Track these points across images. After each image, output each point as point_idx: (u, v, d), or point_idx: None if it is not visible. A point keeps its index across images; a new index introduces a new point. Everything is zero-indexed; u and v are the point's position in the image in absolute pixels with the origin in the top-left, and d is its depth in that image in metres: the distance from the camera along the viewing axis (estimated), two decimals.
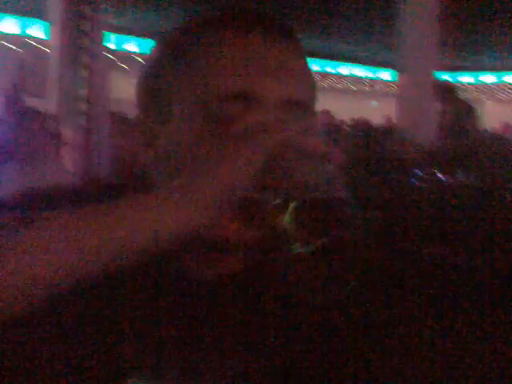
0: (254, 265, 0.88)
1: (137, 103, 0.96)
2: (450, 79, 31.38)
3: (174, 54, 0.92)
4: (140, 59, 23.28)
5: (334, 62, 26.11)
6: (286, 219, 0.72)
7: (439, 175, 4.80)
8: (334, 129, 9.39)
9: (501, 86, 32.50)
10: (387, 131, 9.21)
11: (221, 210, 0.73)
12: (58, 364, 0.81)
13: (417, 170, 4.61)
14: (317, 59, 21.89)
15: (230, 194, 0.73)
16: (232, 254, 0.88)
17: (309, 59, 0.94)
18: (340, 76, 27.63)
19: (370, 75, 29.92)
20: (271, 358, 0.86)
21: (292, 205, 0.72)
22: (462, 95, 7.82)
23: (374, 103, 29.59)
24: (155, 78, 0.94)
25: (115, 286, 0.82)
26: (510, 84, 31.78)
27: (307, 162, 0.75)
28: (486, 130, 8.50)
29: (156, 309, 0.86)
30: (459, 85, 30.73)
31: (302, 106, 0.89)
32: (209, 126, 0.84)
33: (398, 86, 9.94)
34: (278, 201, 0.73)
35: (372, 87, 30.33)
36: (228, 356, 0.85)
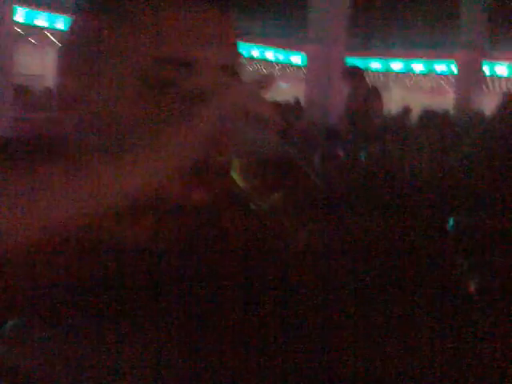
0: (205, 228, 0.88)
1: (60, 68, 0.93)
2: (360, 65, 31.67)
3: (101, 15, 0.89)
4: (49, 34, 22.74)
5: (246, 45, 26.03)
6: (237, 178, 0.75)
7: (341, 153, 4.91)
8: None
9: (408, 74, 33.05)
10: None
11: (171, 173, 0.73)
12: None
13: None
14: None
15: (182, 156, 0.73)
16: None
17: None
18: (252, 58, 27.56)
19: (282, 58, 30.01)
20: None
21: (237, 163, 0.75)
22: (369, 80, 7.96)
23: (286, 85, 29.67)
24: (82, 41, 0.91)
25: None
26: (416, 72, 32.35)
27: (253, 124, 0.76)
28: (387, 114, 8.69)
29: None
30: (369, 71, 31.16)
31: (235, 72, 0.90)
32: (145, 90, 0.83)
33: (307, 70, 10.00)
34: (222, 159, 0.76)
35: (283, 71, 30.40)
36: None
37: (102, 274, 0.83)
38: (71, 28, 0.94)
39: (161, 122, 0.76)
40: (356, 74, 7.57)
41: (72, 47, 0.92)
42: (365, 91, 7.38)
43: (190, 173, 0.77)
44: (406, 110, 12.54)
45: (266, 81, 0.79)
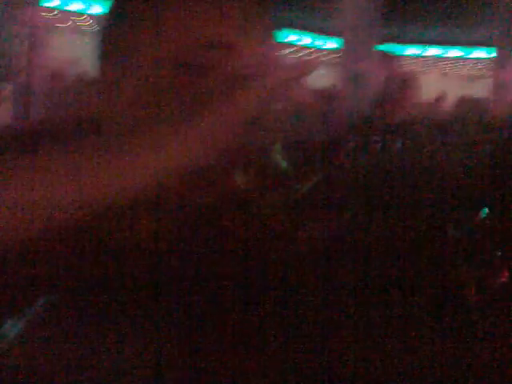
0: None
1: (98, 57, 0.94)
2: (396, 51, 31.80)
3: (138, 4, 0.90)
4: (81, 19, 22.98)
5: (282, 31, 26.06)
6: (278, 160, 0.75)
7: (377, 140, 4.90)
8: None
9: (446, 59, 32.92)
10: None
11: (213, 155, 0.73)
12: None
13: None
14: None
15: (224, 139, 0.73)
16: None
17: None
18: (288, 44, 27.64)
19: (320, 44, 30.00)
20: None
21: (278, 145, 0.76)
22: (404, 67, 7.91)
23: (322, 72, 29.66)
24: (119, 30, 0.91)
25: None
26: (454, 58, 32.19)
27: (294, 109, 0.78)
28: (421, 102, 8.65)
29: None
30: (405, 57, 31.05)
31: (270, 55, 0.90)
32: (184, 74, 0.84)
33: (341, 56, 9.99)
34: (264, 141, 0.77)
35: (318, 56, 30.41)
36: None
37: (100, 274, 0.83)
38: (109, 13, 0.95)
39: (201, 104, 0.75)
40: (389, 59, 7.53)
41: (110, 32, 0.94)
42: (399, 78, 7.33)
43: (231, 155, 0.77)
44: (440, 98, 12.44)
45: (306, 66, 0.78)
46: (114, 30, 0.92)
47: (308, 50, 30.22)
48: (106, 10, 0.97)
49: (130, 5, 0.91)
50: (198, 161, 0.71)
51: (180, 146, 0.70)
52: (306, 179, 0.75)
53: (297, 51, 29.26)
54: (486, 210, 1.04)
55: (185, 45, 0.85)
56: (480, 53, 29.57)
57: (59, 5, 20.63)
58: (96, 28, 23.19)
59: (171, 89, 0.84)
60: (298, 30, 27.46)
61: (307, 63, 0.79)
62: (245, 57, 0.85)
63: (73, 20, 22.77)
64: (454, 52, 31.04)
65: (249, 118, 0.73)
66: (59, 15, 21.21)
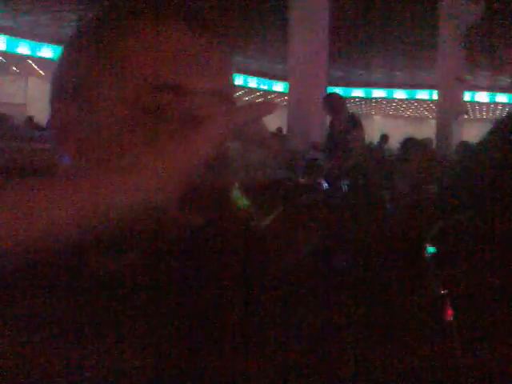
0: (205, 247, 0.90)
1: (52, 95, 0.93)
2: (342, 93, 32.05)
3: (93, 42, 0.89)
4: (30, 62, 22.80)
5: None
6: (237, 198, 0.75)
7: (323, 182, 4.94)
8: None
9: (390, 101, 33.43)
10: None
11: (166, 194, 0.72)
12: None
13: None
14: None
15: (179, 179, 0.72)
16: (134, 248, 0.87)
17: None
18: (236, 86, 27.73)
19: (264, 87, 30.25)
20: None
21: (236, 184, 0.76)
22: (349, 108, 7.99)
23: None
24: (74, 68, 0.90)
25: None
26: (398, 99, 32.71)
27: (250, 147, 0.78)
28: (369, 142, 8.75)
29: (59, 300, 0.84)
30: (350, 99, 31.41)
31: (227, 97, 0.89)
32: (137, 115, 0.83)
33: (288, 98, 10.06)
34: (220, 181, 0.77)
35: (266, 98, 30.63)
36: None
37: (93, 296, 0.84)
38: (63, 55, 0.94)
39: (157, 145, 0.75)
40: (335, 101, 7.59)
41: (65, 74, 0.92)
42: (345, 119, 7.40)
43: (187, 195, 0.76)
44: (384, 138, 12.64)
45: (266, 108, 0.79)
46: (69, 70, 0.91)
47: (255, 93, 30.45)
48: (60, 53, 0.95)
49: (85, 45, 0.91)
50: (154, 200, 0.71)
51: (135, 185, 0.70)
52: (266, 214, 0.75)
53: (244, 94, 29.45)
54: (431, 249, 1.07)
55: (139, 86, 0.84)
56: (423, 95, 30.16)
57: (7, 48, 20.50)
58: (45, 71, 22.97)
59: (127, 130, 0.83)
60: (243, 74, 27.67)
61: (267, 105, 0.79)
62: (200, 98, 0.84)
63: (22, 63, 22.60)
64: (399, 94, 31.57)
65: (205, 159, 0.72)
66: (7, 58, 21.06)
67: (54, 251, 0.69)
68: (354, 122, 7.38)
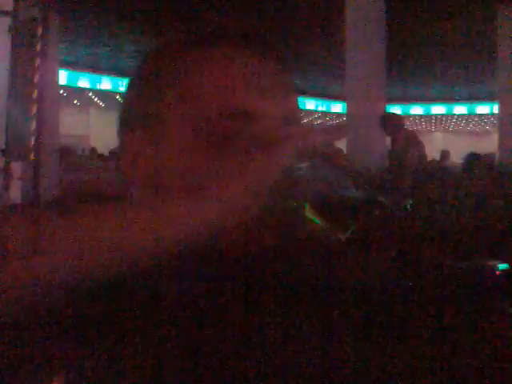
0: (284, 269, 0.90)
1: (121, 127, 0.95)
2: (401, 111, 31.96)
3: (160, 73, 0.91)
4: (91, 95, 23.28)
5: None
6: (311, 219, 0.75)
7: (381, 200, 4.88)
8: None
9: (449, 117, 33.05)
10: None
11: (238, 218, 0.73)
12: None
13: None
14: None
15: (249, 204, 0.73)
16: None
17: None
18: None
19: (323, 108, 30.20)
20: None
21: (308, 207, 0.75)
22: (408, 126, 7.93)
23: None
24: (142, 100, 0.92)
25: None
26: (457, 115, 32.30)
27: (322, 168, 0.78)
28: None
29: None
30: (409, 116, 31.14)
31: (294, 120, 0.90)
32: (206, 143, 0.84)
33: (347, 118, 10.02)
34: (292, 203, 0.76)
35: (323, 119, 30.62)
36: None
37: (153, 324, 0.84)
38: (130, 87, 0.96)
39: (226, 170, 0.76)
40: (393, 121, 7.52)
41: (133, 106, 0.93)
42: (403, 139, 7.32)
43: (260, 217, 0.77)
44: (445, 154, 12.45)
45: (338, 129, 0.79)
46: (137, 102, 0.92)
47: (314, 115, 30.44)
48: (127, 85, 0.97)
49: (153, 76, 0.91)
50: (226, 225, 0.72)
51: (206, 211, 0.71)
52: (341, 231, 0.75)
53: (302, 116, 29.44)
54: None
55: (208, 115, 0.84)
56: (484, 109, 29.72)
57: (68, 82, 20.95)
58: (105, 102, 23.49)
59: (196, 157, 0.84)
60: (300, 96, 27.67)
61: (339, 129, 0.79)
62: (268, 122, 0.84)
63: (82, 96, 23.08)
64: (459, 109, 31.17)
65: (274, 182, 0.74)
66: (68, 91, 21.52)
67: (128, 276, 0.70)
68: (412, 141, 7.31)
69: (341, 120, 27.01)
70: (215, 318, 0.87)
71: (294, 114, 0.91)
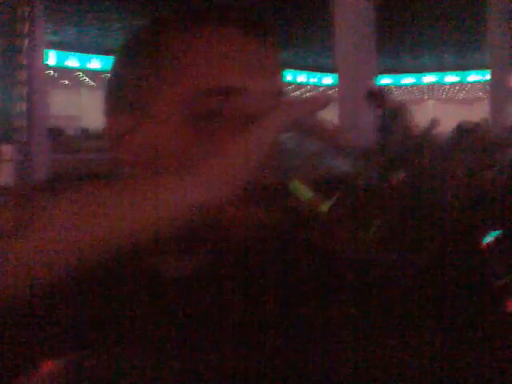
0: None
1: (106, 107, 0.94)
2: (392, 80, 32.00)
3: (146, 51, 0.90)
4: (81, 74, 23.20)
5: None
6: (299, 192, 0.75)
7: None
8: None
9: (441, 86, 33.08)
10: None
11: (226, 194, 0.73)
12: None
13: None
14: None
15: (236, 180, 0.73)
16: (199, 252, 0.89)
17: None
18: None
19: (314, 81, 30.20)
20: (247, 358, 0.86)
21: (295, 180, 0.75)
22: (392, 98, 7.93)
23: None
24: (127, 80, 0.91)
25: (86, 283, 0.82)
26: (449, 83, 32.33)
27: (306, 140, 0.77)
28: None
29: (126, 305, 0.86)
30: (401, 87, 31.12)
31: (278, 95, 0.89)
32: (191, 119, 0.84)
33: (338, 90, 10.01)
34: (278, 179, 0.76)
35: (315, 92, 30.62)
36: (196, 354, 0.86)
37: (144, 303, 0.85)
38: (115, 67, 0.95)
39: (212, 145, 0.77)
40: (378, 94, 7.53)
41: (119, 86, 0.93)
42: (389, 111, 7.33)
43: (248, 193, 0.75)
44: (433, 123, 12.43)
45: (321, 99, 0.78)
46: (123, 82, 0.92)
47: (305, 87, 30.43)
48: (111, 63, 0.97)
49: (138, 56, 0.91)
50: (214, 201, 0.71)
51: (193, 186, 0.71)
52: (324, 200, 0.74)
53: (294, 89, 29.41)
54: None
55: (191, 92, 0.84)
56: (475, 76, 29.75)
57: (57, 62, 20.88)
58: (96, 81, 23.41)
59: (183, 134, 0.84)
60: (292, 69, 27.67)
61: (321, 99, 0.78)
62: (252, 97, 0.84)
63: (74, 76, 23.02)
64: (450, 77, 31.20)
65: (261, 156, 0.73)
66: (58, 72, 21.45)
67: (117, 253, 0.69)
68: (398, 111, 7.33)
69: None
70: (209, 298, 0.87)
71: (280, 90, 0.90)
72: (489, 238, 1.05)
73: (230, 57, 0.86)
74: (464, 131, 6.34)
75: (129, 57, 0.93)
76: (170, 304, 0.87)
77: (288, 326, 0.89)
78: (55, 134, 9.73)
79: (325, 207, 0.73)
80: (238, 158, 0.73)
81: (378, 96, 7.51)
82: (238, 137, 0.73)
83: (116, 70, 0.95)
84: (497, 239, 1.01)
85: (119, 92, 0.92)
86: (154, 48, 0.89)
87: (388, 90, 8.11)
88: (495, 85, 14.11)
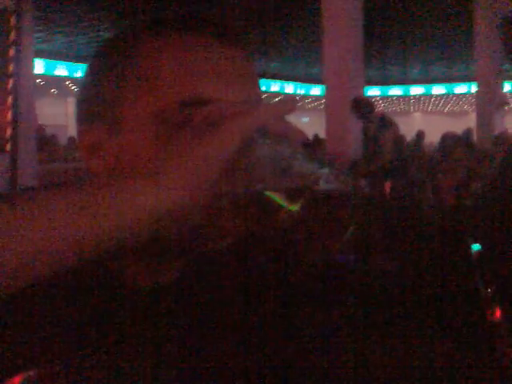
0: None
1: (79, 116, 0.93)
2: (380, 92, 32.07)
3: (119, 61, 0.89)
4: (69, 83, 23.13)
5: (266, 80, 26.28)
6: (272, 198, 0.74)
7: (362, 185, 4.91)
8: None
9: (428, 98, 33.18)
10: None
11: (194, 200, 0.72)
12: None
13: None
14: None
15: (202, 181, 0.73)
16: (171, 262, 0.89)
17: None
18: (272, 93, 27.77)
19: (301, 92, 30.22)
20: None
21: (266, 185, 0.74)
22: (385, 108, 7.94)
23: (306, 119, 29.90)
24: (100, 88, 0.90)
25: (49, 290, 0.82)
26: (436, 95, 32.44)
27: (276, 144, 0.76)
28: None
29: (89, 314, 0.86)
30: (388, 98, 31.18)
31: (254, 105, 0.85)
32: (164, 129, 0.82)
33: (325, 101, 10.01)
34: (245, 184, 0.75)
35: (303, 103, 30.66)
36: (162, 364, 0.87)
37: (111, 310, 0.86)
38: (88, 75, 0.94)
39: (178, 150, 0.75)
40: (363, 104, 7.52)
41: (91, 95, 0.92)
42: (373, 122, 7.32)
43: (219, 199, 0.76)
44: (420, 135, 12.49)
45: (287, 103, 0.78)
46: (95, 91, 0.91)
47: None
48: (84, 74, 0.96)
49: (110, 65, 0.90)
50: (182, 207, 0.71)
51: (159, 191, 0.70)
52: (295, 201, 0.74)
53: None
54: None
55: (166, 102, 0.83)
56: (462, 88, 29.86)
57: (45, 71, 20.83)
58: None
59: (154, 143, 0.83)
60: (279, 80, 27.69)
61: (287, 102, 0.78)
62: (226, 107, 0.81)
63: (62, 85, 22.93)
64: (437, 89, 31.30)
65: (228, 161, 0.73)
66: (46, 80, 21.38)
67: (82, 260, 0.69)
68: (383, 123, 7.32)
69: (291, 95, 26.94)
70: (182, 307, 0.88)
71: (256, 99, 0.89)
72: (475, 249, 1.06)
73: (205, 67, 0.85)
74: (450, 142, 6.37)
75: (101, 64, 0.92)
76: (136, 313, 0.87)
77: (262, 335, 0.89)
78: (42, 143, 9.68)
79: (295, 206, 0.73)
80: (201, 163, 0.72)
81: (363, 105, 7.51)
82: (201, 142, 0.73)
83: (89, 78, 0.94)
84: (480, 252, 1.02)
85: (93, 101, 0.91)
86: (127, 56, 0.88)
87: (372, 100, 8.08)
88: (481, 97, 14.16)
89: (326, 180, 0.73)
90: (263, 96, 0.93)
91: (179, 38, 0.87)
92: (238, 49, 0.89)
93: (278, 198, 0.73)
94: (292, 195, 0.73)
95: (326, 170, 0.73)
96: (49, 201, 0.68)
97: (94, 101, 0.90)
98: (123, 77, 0.87)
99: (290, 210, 0.72)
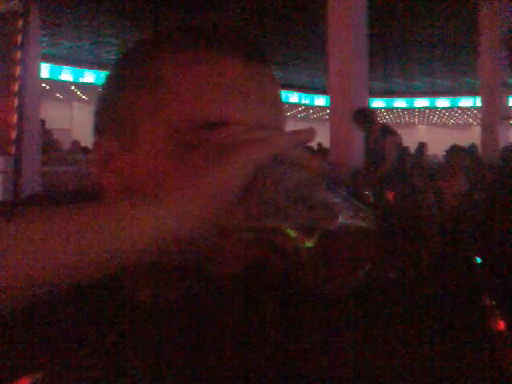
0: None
1: (95, 127, 0.91)
2: (384, 104, 32.11)
3: (138, 74, 0.86)
4: (74, 88, 23.21)
5: None
6: (281, 226, 0.72)
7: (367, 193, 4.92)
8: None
9: (432, 110, 33.20)
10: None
11: (203, 222, 0.70)
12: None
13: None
14: None
15: (212, 204, 0.70)
16: (176, 281, 0.87)
17: None
18: None
19: (306, 102, 30.26)
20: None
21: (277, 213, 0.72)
22: (391, 119, 7.95)
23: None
24: (116, 102, 0.87)
25: (54, 304, 0.81)
26: (440, 108, 32.46)
27: (292, 172, 0.73)
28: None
29: (93, 328, 0.85)
30: (393, 110, 31.21)
31: (276, 128, 0.84)
32: (178, 150, 0.80)
33: (330, 112, 10.02)
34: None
35: (307, 112, 30.69)
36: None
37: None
38: (105, 88, 0.91)
39: (189, 173, 0.72)
40: (365, 115, 7.53)
41: (108, 109, 0.89)
42: (375, 132, 7.34)
43: (226, 230, 0.74)
44: (422, 146, 12.51)
45: (305, 132, 0.76)
46: (112, 106, 0.88)
47: (297, 108, 30.50)
48: (102, 85, 0.93)
49: (128, 81, 0.87)
50: (191, 230, 0.69)
51: (169, 214, 0.68)
52: (308, 236, 0.72)
53: (286, 109, 29.42)
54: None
55: (182, 123, 0.80)
56: (466, 102, 29.90)
57: (50, 75, 20.89)
58: (88, 96, 23.45)
59: (167, 163, 0.81)
60: (284, 90, 27.74)
61: (306, 132, 0.75)
62: (244, 132, 0.77)
63: (65, 89, 23.00)
64: (442, 102, 31.32)
65: (241, 186, 0.71)
66: (51, 85, 21.44)
67: (89, 279, 0.68)
68: (386, 132, 7.34)
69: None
70: (184, 328, 0.88)
71: (276, 125, 0.85)
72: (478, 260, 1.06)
73: (227, 87, 0.82)
74: (456, 154, 6.39)
75: (120, 81, 0.89)
76: (141, 331, 0.86)
77: (265, 362, 0.87)
78: (47, 146, 9.70)
79: (310, 243, 0.70)
80: (213, 184, 0.70)
81: (364, 115, 7.53)
82: (215, 165, 0.71)
83: (107, 93, 0.91)
84: (480, 265, 1.02)
85: (109, 116, 0.89)
86: (146, 70, 0.86)
87: (374, 110, 8.09)
88: (486, 110, 14.18)
89: (344, 216, 0.70)
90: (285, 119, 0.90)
91: (204, 55, 0.84)
92: (263, 70, 0.86)
93: (292, 233, 0.71)
94: (308, 230, 0.70)
95: (346, 205, 0.71)
96: (49, 219, 0.67)
97: (110, 114, 0.88)
98: (140, 95, 0.85)
99: (304, 247, 0.70)
